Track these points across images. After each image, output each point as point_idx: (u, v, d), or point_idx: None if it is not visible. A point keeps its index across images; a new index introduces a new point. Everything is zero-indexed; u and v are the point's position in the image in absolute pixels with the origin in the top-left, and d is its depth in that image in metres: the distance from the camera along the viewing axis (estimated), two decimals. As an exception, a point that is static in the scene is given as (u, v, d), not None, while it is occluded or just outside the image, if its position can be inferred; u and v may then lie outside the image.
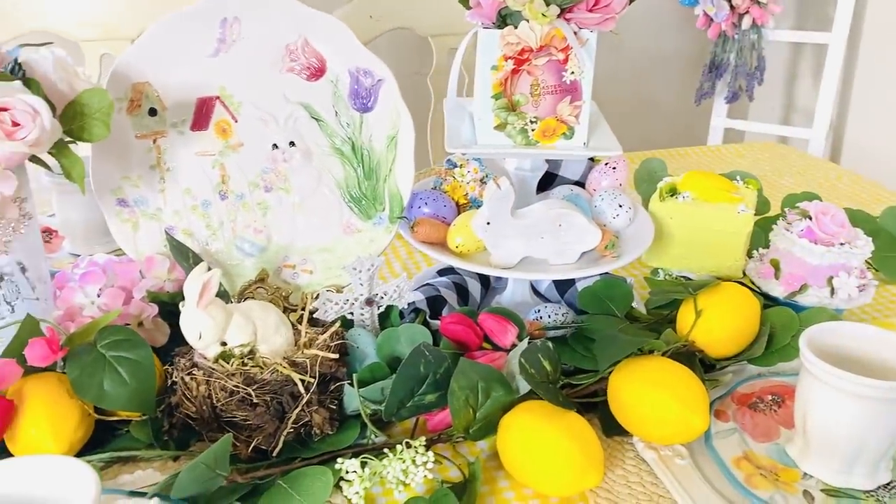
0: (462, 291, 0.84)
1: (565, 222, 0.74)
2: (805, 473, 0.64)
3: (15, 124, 0.59)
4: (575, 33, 0.69)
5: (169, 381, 0.66)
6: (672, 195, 0.87)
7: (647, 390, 0.64)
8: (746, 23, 1.90)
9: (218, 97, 0.77)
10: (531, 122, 0.73)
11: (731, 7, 1.88)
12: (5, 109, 0.59)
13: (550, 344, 0.67)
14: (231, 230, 0.79)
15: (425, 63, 1.52)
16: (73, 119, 0.64)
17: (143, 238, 0.78)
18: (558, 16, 0.68)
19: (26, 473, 0.49)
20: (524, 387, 0.66)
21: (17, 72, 0.64)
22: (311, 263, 0.80)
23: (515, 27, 0.69)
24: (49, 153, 0.65)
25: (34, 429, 0.61)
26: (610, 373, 0.68)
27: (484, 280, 0.88)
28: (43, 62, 0.65)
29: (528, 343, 0.68)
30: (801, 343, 0.62)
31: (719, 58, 1.95)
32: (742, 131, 2.08)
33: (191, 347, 0.67)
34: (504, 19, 0.70)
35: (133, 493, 0.60)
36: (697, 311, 0.72)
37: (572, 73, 0.71)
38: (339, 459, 0.61)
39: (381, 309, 0.75)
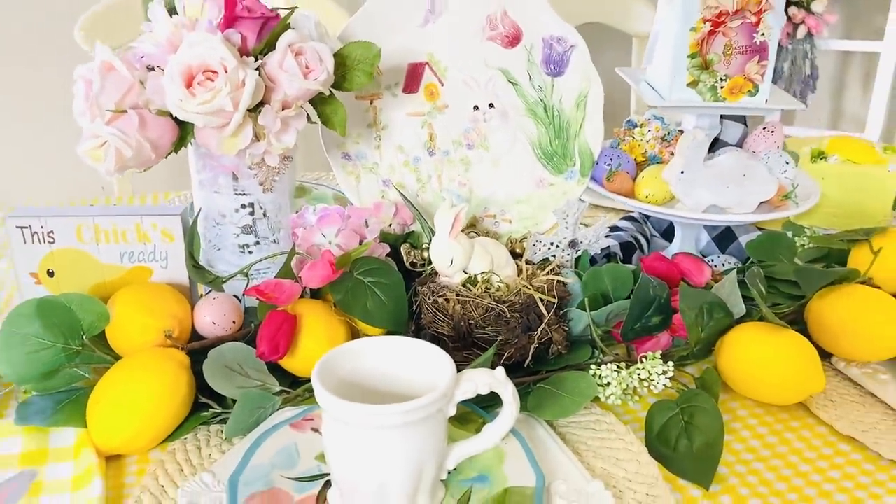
0: (638, 243, 0.91)
1: (750, 172, 0.82)
2: None
3: (307, 67, 0.67)
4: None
5: (415, 306, 0.73)
6: (821, 158, 0.95)
7: (857, 310, 0.71)
8: (801, 32, 2.00)
9: (427, 63, 0.84)
10: (721, 79, 0.81)
11: (788, 17, 1.99)
12: (300, 54, 0.66)
13: (762, 272, 0.74)
14: (437, 183, 0.86)
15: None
16: (336, 69, 0.72)
17: (364, 188, 0.85)
18: (757, -19, 0.76)
19: (390, 354, 0.56)
20: (739, 311, 0.73)
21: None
22: (510, 213, 0.87)
23: (716, -7, 0.78)
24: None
25: (313, 341, 0.67)
26: (804, 304, 0.75)
27: (646, 236, 0.96)
28: (306, 21, 0.72)
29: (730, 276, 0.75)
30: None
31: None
32: (788, 136, 2.18)
33: (429, 277, 0.74)
34: (703, -14, 0.79)
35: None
36: (875, 250, 0.80)
37: (762, 34, 0.79)
38: (591, 367, 0.68)
39: (579, 253, 0.82)
